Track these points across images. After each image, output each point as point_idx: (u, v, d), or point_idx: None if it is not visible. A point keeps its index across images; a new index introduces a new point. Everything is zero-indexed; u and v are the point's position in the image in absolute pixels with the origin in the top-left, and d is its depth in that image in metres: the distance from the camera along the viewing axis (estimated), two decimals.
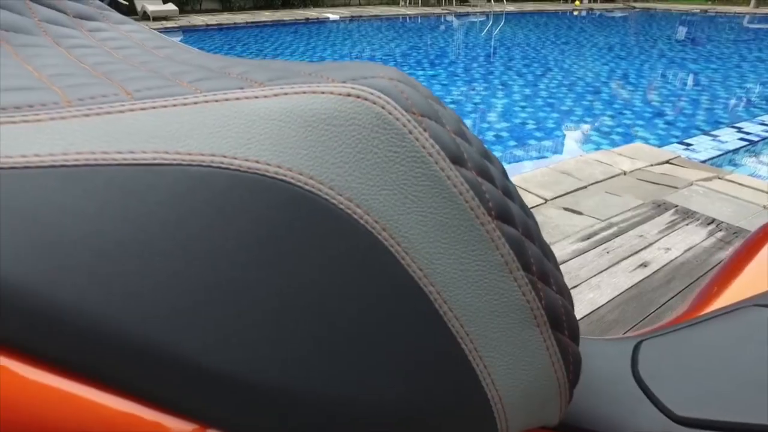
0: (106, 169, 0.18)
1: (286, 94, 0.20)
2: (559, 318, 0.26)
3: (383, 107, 0.21)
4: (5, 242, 0.17)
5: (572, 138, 3.76)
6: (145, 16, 8.54)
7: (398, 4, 12.10)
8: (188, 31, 8.14)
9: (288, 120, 0.20)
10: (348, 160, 0.20)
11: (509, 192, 0.25)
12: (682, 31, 9.11)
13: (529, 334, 0.25)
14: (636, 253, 1.65)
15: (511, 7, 11.94)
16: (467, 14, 11.14)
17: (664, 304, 1.39)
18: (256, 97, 0.20)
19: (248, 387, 0.19)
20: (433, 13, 10.74)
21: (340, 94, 0.20)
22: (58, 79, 0.25)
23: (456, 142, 0.23)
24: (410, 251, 0.21)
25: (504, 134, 3.70)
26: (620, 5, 13.29)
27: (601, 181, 2.25)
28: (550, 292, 0.26)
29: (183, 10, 9.69)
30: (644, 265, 1.58)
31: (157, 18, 8.67)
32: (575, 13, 12.25)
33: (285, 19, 9.18)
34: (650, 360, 0.38)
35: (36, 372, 0.17)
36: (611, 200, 2.05)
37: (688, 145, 3.37)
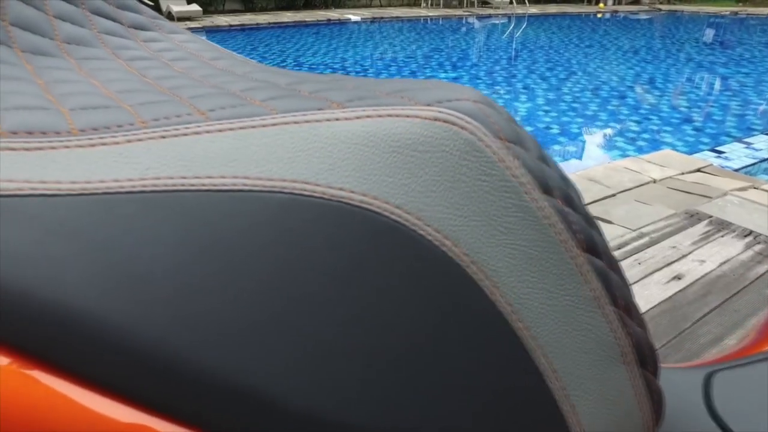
0: (184, 195, 0.17)
1: (369, 117, 0.20)
2: (645, 354, 0.25)
3: (473, 133, 0.20)
4: (85, 271, 0.16)
5: (597, 144, 3.70)
6: (169, 17, 8.69)
7: (419, 5, 12.09)
8: (211, 32, 8.25)
9: (373, 145, 0.19)
10: (436, 188, 0.19)
11: (589, 219, 0.24)
12: (710, 34, 8.90)
13: (617, 372, 0.24)
14: (669, 264, 1.61)
15: (533, 9, 11.83)
16: (489, 16, 11.07)
17: (700, 319, 1.34)
18: (337, 120, 0.20)
19: (331, 424, 0.18)
20: (455, 15, 10.71)
21: (426, 119, 0.19)
22: (128, 96, 0.25)
23: (541, 168, 0.22)
24: (499, 285, 0.20)
25: None
26: (645, 7, 13.07)
27: (630, 189, 2.20)
28: (635, 327, 0.25)
29: (206, 11, 9.83)
30: (678, 277, 1.54)
31: (182, 18, 8.81)
32: (599, 15, 12.08)
33: (307, 20, 9.25)
34: (726, 394, 0.36)
35: (107, 403, 0.16)
36: (642, 209, 2.00)
37: (720, 152, 3.28)
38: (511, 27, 9.82)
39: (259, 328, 0.17)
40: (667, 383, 0.37)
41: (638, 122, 4.02)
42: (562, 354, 0.22)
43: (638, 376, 0.25)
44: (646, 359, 0.25)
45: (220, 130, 0.19)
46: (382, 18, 9.95)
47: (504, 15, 11.35)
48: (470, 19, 10.61)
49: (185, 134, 0.19)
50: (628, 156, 3.18)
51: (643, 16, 11.80)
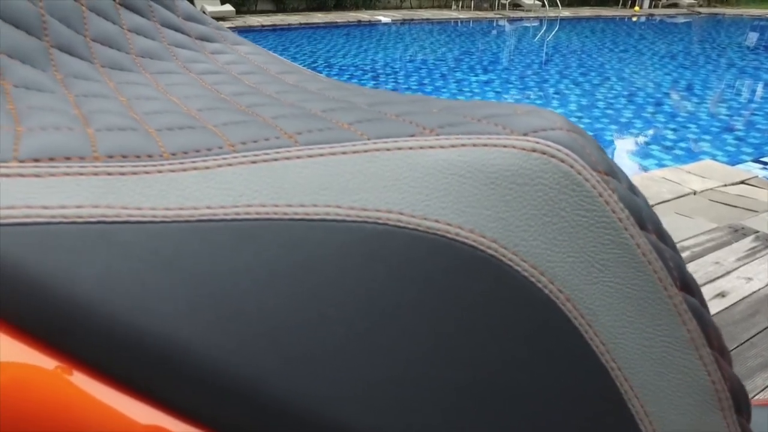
0: (277, 224, 0.17)
1: (464, 146, 0.19)
2: (741, 400, 0.24)
3: (571, 166, 0.19)
4: (178, 301, 0.16)
5: (632, 152, 3.61)
6: None
7: (450, 7, 12.04)
8: (244, 32, 8.40)
9: (468, 175, 0.19)
10: (533, 222, 0.19)
11: (678, 251, 0.23)
12: (754, 38, 8.58)
13: (712, 418, 0.23)
14: (712, 281, 1.55)
15: (566, 12, 11.63)
16: (520, 19, 10.94)
17: (748, 340, 1.29)
18: (432, 148, 0.19)
19: None
20: (486, 18, 10.62)
21: (524, 149, 0.19)
22: (210, 116, 0.25)
23: (634, 200, 0.21)
24: (594, 324, 0.20)
25: None
26: (684, 10, 12.69)
27: (669, 200, 2.14)
28: (730, 371, 0.24)
29: (239, 11, 10.01)
30: (722, 295, 1.48)
31: (215, 18, 8.99)
32: (634, 18, 11.79)
33: (337, 21, 9.31)
34: None
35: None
36: (682, 222, 1.94)
37: (766, 164, 3.15)
38: (542, 30, 9.68)
39: (350, 360, 0.17)
40: (757, 425, 0.36)
41: (675, 130, 3.91)
42: (656, 398, 0.21)
43: (734, 424, 0.23)
44: (741, 405, 0.24)
45: (310, 156, 0.19)
46: (412, 20, 9.95)
47: (535, 18, 11.19)
48: (501, 22, 10.50)
49: (276, 159, 0.19)
50: (664, 166, 3.10)
51: (681, 20, 11.47)
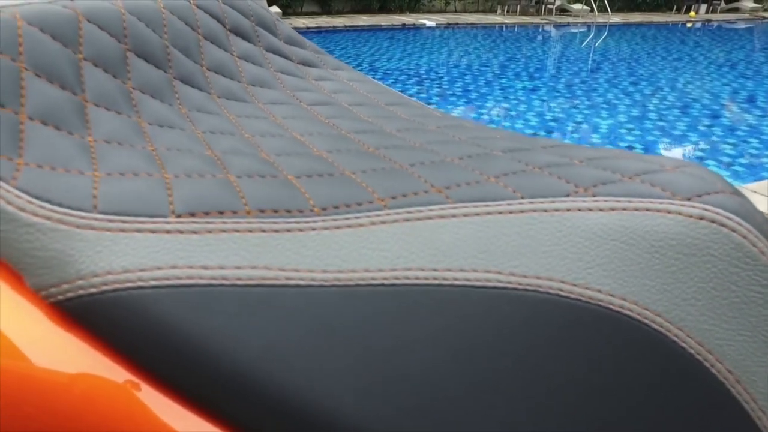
0: (436, 289, 0.17)
1: (624, 209, 0.18)
2: None
3: (744, 236, 0.18)
4: (338, 369, 0.16)
5: None
6: None
7: (495, 12, 11.88)
8: None
9: (631, 243, 0.18)
10: (701, 296, 0.18)
11: None
12: None
13: None
14: None
15: (615, 18, 11.26)
16: (567, 25, 10.67)
17: None
18: (590, 210, 0.19)
19: None
20: (532, 23, 10.41)
21: (691, 217, 0.18)
22: (343, 160, 0.24)
23: None
24: (767, 410, 0.19)
25: None
26: (746, 15, 12.04)
27: None
28: None
29: (285, 13, 10.20)
30: None
31: None
32: (689, 25, 11.28)
33: (382, 24, 9.35)
34: None
35: None
36: None
37: None
38: (590, 36, 9.41)
39: (508, 427, 0.17)
40: None
41: (734, 145, 3.72)
42: None
43: None
44: None
45: (465, 215, 0.19)
46: (456, 24, 9.87)
47: (583, 24, 10.89)
48: (547, 28, 10.27)
49: (430, 218, 0.19)
50: None
51: (741, 26, 10.88)
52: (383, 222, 0.19)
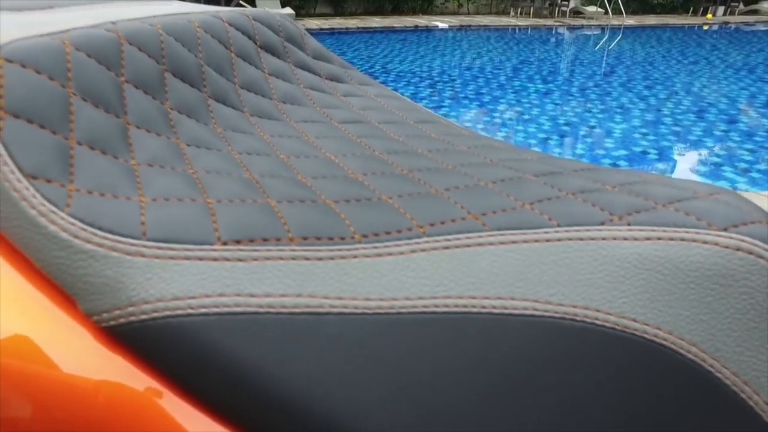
0: (475, 317, 0.18)
1: (660, 239, 0.19)
2: None
3: None
4: (380, 396, 0.16)
5: (702, 173, 3.42)
6: None
7: (508, 14, 11.83)
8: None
9: (666, 272, 0.18)
10: (736, 327, 0.18)
11: None
12: None
13: None
14: None
15: (630, 21, 11.16)
16: (581, 27, 10.59)
17: None
18: (625, 240, 0.19)
19: None
20: (545, 25, 10.35)
21: (727, 247, 0.18)
22: (380, 184, 0.24)
23: None
24: None
25: (622, 163, 3.46)
26: (765, 17, 11.85)
27: None
28: None
29: (299, 14, 10.26)
30: None
31: None
32: (705, 27, 11.12)
33: (395, 25, 9.36)
34: None
35: None
36: None
37: None
38: (604, 39, 9.33)
39: None
40: None
41: (752, 151, 3.67)
42: None
43: None
44: None
45: (502, 243, 0.19)
46: (469, 26, 9.85)
47: (597, 26, 10.80)
48: (561, 30, 10.21)
49: (468, 245, 0.19)
50: (738, 190, 2.92)
51: (761, 28, 10.71)
52: (423, 250, 0.19)
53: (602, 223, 0.20)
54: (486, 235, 0.20)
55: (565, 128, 4.06)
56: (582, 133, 4.03)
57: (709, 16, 12.13)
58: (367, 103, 0.40)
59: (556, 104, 4.80)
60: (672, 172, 3.38)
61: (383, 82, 5.26)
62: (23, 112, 0.21)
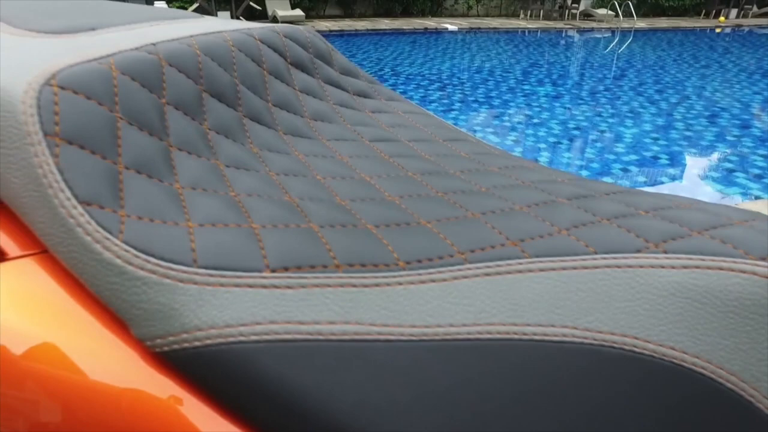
0: (516, 344, 0.18)
1: (698, 267, 0.19)
2: None
3: None
4: (426, 423, 0.16)
5: (714, 179, 3.39)
6: (274, 20, 9.20)
7: (518, 16, 11.80)
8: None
9: (704, 301, 0.18)
10: None
11: None
12: None
13: None
14: None
15: (641, 24, 11.08)
16: (591, 30, 10.53)
17: None
18: (662, 267, 0.19)
19: None
20: (555, 28, 10.31)
21: (765, 277, 0.18)
22: (417, 207, 0.25)
23: None
24: None
25: (632, 168, 3.43)
26: None
27: None
28: None
29: (308, 16, 10.30)
30: None
31: (285, 22, 9.25)
32: (718, 30, 11.02)
33: (404, 27, 9.36)
34: None
35: None
36: None
37: None
38: (615, 42, 9.27)
39: None
40: None
41: (766, 157, 3.63)
42: None
43: None
44: None
45: (542, 270, 0.20)
46: (479, 28, 9.83)
47: (608, 29, 10.74)
48: (571, 33, 10.16)
49: (509, 272, 0.20)
50: (751, 196, 2.89)
51: None
52: (465, 276, 0.20)
53: (638, 251, 0.20)
54: (526, 262, 0.20)
55: (575, 132, 4.04)
56: (592, 137, 4.01)
57: (722, 18, 12.01)
58: (396, 120, 0.40)
59: (566, 108, 4.78)
60: (683, 177, 3.35)
61: (393, 85, 5.26)
62: (76, 138, 0.21)
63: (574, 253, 0.20)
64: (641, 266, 0.19)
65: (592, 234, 0.21)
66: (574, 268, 0.19)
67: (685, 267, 0.19)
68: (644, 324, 0.18)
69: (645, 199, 0.24)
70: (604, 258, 0.19)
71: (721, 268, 0.18)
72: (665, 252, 0.19)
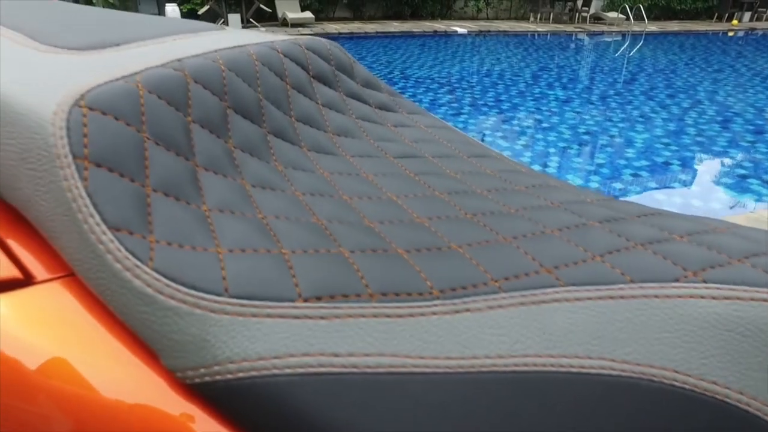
0: (554, 376, 0.17)
1: (739, 299, 0.18)
2: None
3: None
4: None
5: (727, 185, 3.35)
6: (284, 23, 9.24)
7: (528, 19, 11.76)
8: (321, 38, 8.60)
9: (748, 334, 0.18)
10: None
11: None
12: None
13: None
14: None
15: (652, 27, 11.00)
16: (601, 33, 10.48)
17: None
18: (702, 298, 0.19)
19: None
20: (565, 31, 10.27)
21: None
22: (447, 230, 0.24)
23: None
24: None
25: (643, 174, 3.41)
26: None
27: None
28: None
29: (318, 18, 10.34)
30: None
31: (295, 25, 9.32)
32: (730, 34, 10.92)
33: (413, 30, 9.37)
34: None
35: None
36: None
37: None
38: (625, 45, 9.22)
39: None
40: None
41: None
42: None
43: None
44: None
45: (578, 299, 0.19)
46: (488, 31, 9.82)
47: (618, 32, 10.68)
48: (581, 36, 10.11)
49: (544, 301, 0.19)
50: (763, 202, 2.85)
51: None
52: (500, 306, 0.19)
53: (677, 279, 0.19)
54: (562, 291, 0.20)
55: (585, 137, 4.01)
56: (603, 142, 3.98)
57: (735, 22, 11.90)
58: (419, 134, 0.40)
59: (577, 112, 4.75)
60: (694, 183, 3.31)
61: (402, 88, 5.27)
62: (105, 161, 0.21)
63: (610, 281, 0.19)
64: (680, 296, 0.19)
65: (628, 261, 0.21)
66: (611, 297, 0.19)
67: (726, 298, 0.18)
68: (684, 357, 0.17)
69: (678, 223, 0.24)
70: (642, 287, 0.19)
71: (765, 300, 0.18)
72: (704, 281, 0.19)
